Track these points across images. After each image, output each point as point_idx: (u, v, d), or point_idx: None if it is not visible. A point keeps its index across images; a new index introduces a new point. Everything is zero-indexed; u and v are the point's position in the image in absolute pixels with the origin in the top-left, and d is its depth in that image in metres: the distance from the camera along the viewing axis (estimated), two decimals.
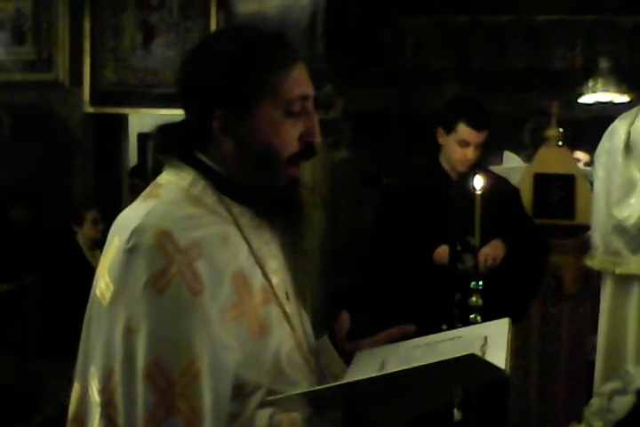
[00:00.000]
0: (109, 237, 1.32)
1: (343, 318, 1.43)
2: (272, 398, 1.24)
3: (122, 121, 5.46)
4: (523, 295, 3.12)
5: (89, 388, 1.30)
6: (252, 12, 4.84)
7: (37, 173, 5.05)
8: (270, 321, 1.32)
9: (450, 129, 3.01)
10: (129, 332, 1.23)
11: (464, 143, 2.99)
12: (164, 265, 1.23)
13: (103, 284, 1.28)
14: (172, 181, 1.34)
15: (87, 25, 5.12)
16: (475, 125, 2.96)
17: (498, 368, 1.18)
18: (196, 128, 1.33)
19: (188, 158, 1.35)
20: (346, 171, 4.15)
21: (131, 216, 1.30)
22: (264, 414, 1.24)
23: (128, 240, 1.25)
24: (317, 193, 3.72)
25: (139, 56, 5.12)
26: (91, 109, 5.14)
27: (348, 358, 1.40)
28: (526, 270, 3.09)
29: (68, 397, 1.35)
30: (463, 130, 2.98)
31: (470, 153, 3.00)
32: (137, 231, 1.25)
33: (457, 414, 2.56)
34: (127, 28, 5.13)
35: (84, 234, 4.46)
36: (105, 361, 1.26)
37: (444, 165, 3.10)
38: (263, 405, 1.25)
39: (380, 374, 1.23)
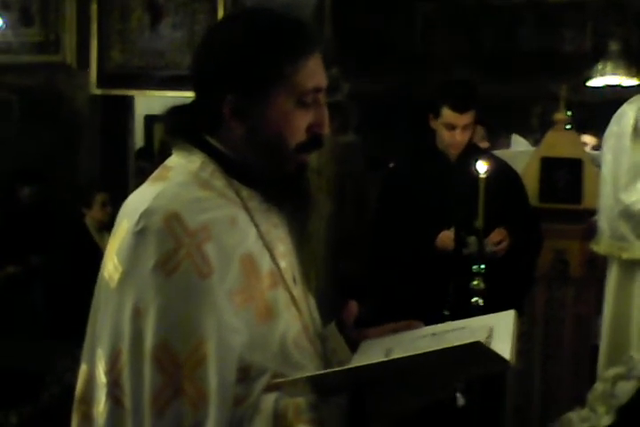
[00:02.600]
0: (118, 219, 1.33)
1: (351, 306, 1.44)
2: (277, 381, 1.25)
3: (128, 103, 5.45)
4: (520, 282, 3.13)
5: (95, 369, 1.31)
6: None
7: (44, 155, 5.05)
8: (278, 305, 1.33)
9: (437, 114, 3.04)
10: (137, 314, 1.23)
11: (450, 126, 3.03)
12: (172, 248, 1.23)
13: (111, 266, 1.29)
14: (182, 164, 1.34)
15: (94, 7, 5.10)
16: (457, 108, 2.99)
17: (502, 359, 1.18)
18: (207, 112, 1.33)
19: (197, 141, 1.35)
20: (352, 154, 4.14)
21: (140, 199, 1.30)
22: (270, 399, 1.25)
23: (137, 223, 1.25)
24: (323, 176, 3.71)
25: (146, 38, 5.10)
26: (98, 91, 5.13)
27: (354, 346, 1.41)
28: (523, 258, 3.10)
29: (75, 378, 1.37)
30: (447, 113, 3.01)
31: (458, 135, 3.03)
32: (146, 214, 1.26)
33: (460, 400, 2.57)
34: (134, 10, 5.11)
35: (93, 216, 4.47)
36: (112, 343, 1.27)
37: (441, 149, 3.13)
38: (269, 388, 1.26)
39: (385, 359, 1.23)
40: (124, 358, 1.25)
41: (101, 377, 1.29)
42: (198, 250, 1.24)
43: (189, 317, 1.22)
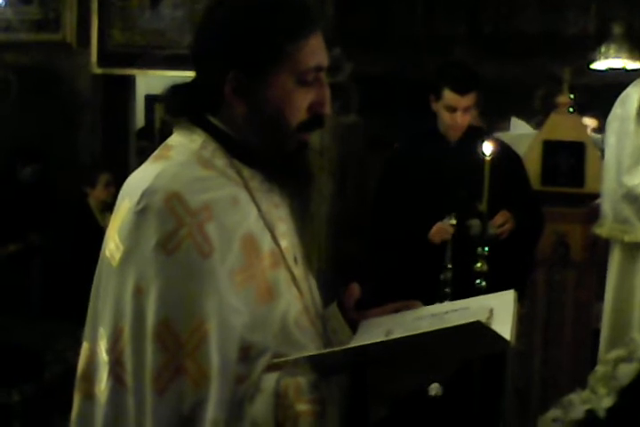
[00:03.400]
0: (119, 198, 1.32)
1: (353, 288, 1.44)
2: (278, 360, 1.25)
3: (129, 82, 5.43)
4: (521, 265, 3.14)
5: (97, 347, 1.31)
6: None
7: (44, 135, 5.04)
8: (279, 285, 1.33)
9: (438, 96, 3.03)
10: (139, 292, 1.24)
11: (451, 109, 3.02)
12: (174, 227, 1.23)
13: (113, 245, 1.28)
14: (183, 143, 1.34)
15: None
16: (458, 90, 2.98)
17: (503, 339, 1.18)
18: (208, 90, 1.32)
19: (198, 120, 1.34)
20: (354, 135, 4.13)
21: (141, 178, 1.30)
22: (271, 378, 1.25)
23: (138, 202, 1.25)
24: (326, 157, 3.70)
25: (146, 17, 5.07)
26: (98, 70, 5.10)
27: (354, 327, 1.41)
28: (524, 241, 3.11)
29: (77, 357, 1.37)
30: (448, 95, 3.01)
31: (459, 117, 3.02)
32: (147, 193, 1.25)
33: (435, 390, 2.55)
34: None
35: (96, 196, 4.47)
36: (114, 321, 1.27)
37: (442, 131, 3.12)
38: (269, 368, 1.26)
39: (386, 339, 1.23)
40: (126, 336, 1.25)
41: (103, 355, 1.29)
42: (199, 229, 1.24)
43: (191, 295, 1.22)
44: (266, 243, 1.32)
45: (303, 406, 1.23)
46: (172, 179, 1.27)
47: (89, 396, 1.33)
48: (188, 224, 1.23)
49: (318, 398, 1.23)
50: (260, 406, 1.23)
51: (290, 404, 1.23)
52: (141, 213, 1.25)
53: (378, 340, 1.22)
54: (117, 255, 1.27)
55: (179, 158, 1.31)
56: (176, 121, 1.37)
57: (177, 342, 1.22)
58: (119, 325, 1.26)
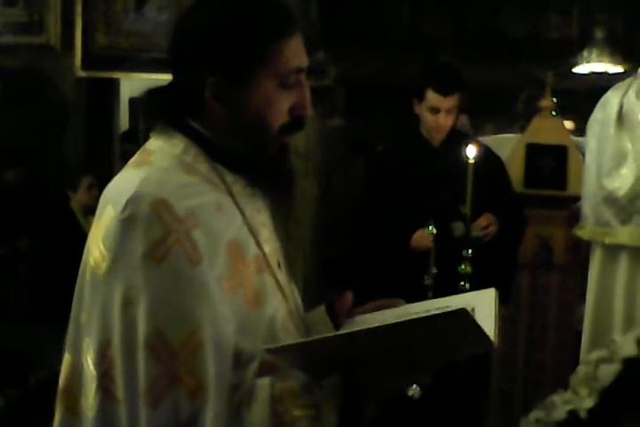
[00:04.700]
0: (101, 205, 1.30)
1: (347, 296, 1.42)
2: (270, 346, 1.23)
3: (113, 85, 5.41)
4: (504, 267, 3.16)
5: (83, 360, 1.28)
6: None
7: (28, 138, 5.01)
8: (265, 290, 1.32)
9: (421, 97, 3.04)
10: (128, 302, 1.21)
11: (434, 110, 3.02)
12: (161, 234, 1.21)
13: (98, 254, 1.26)
14: (163, 148, 1.32)
15: None
16: (441, 91, 2.99)
17: (486, 335, 1.19)
18: (188, 94, 1.30)
19: (178, 125, 1.32)
20: (339, 139, 4.14)
21: (124, 184, 1.28)
22: (265, 384, 1.24)
23: (123, 210, 1.23)
24: (310, 161, 3.71)
25: (131, 20, 5.06)
26: (82, 73, 5.08)
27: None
28: (507, 243, 3.13)
29: (61, 362, 1.34)
30: (431, 96, 3.01)
31: (442, 119, 3.03)
32: (132, 200, 1.23)
33: (414, 390, 2.55)
34: None
35: (79, 200, 4.45)
36: (101, 332, 1.24)
37: (425, 134, 3.13)
38: (260, 371, 1.25)
39: (372, 326, 1.22)
40: (115, 348, 1.23)
41: (90, 369, 1.26)
42: (187, 237, 1.22)
43: (182, 304, 1.21)
44: (251, 249, 1.32)
45: (298, 411, 1.22)
46: (157, 185, 1.25)
47: (73, 410, 1.30)
48: (176, 231, 1.21)
49: (313, 402, 1.23)
50: (257, 414, 1.22)
51: (285, 409, 1.22)
52: (127, 220, 1.22)
53: (365, 327, 1.22)
54: (103, 265, 1.24)
55: (161, 164, 1.29)
56: (155, 125, 1.34)
57: (170, 352, 1.20)
58: (107, 337, 1.23)
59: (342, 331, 1.31)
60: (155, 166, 1.29)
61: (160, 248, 1.21)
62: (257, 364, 1.25)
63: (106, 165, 5.06)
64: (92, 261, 1.27)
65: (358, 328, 1.24)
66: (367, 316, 1.40)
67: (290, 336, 1.34)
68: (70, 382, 1.31)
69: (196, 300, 1.21)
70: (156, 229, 1.21)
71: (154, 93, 1.36)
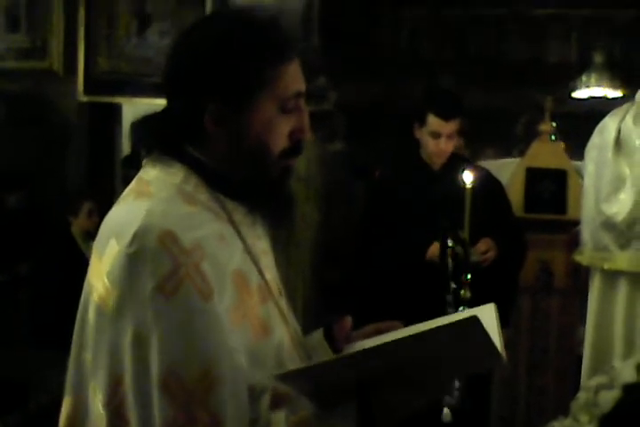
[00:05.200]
0: (102, 238, 1.26)
1: (346, 321, 1.41)
2: (278, 373, 1.21)
3: (115, 110, 5.44)
4: (505, 292, 3.15)
5: (89, 401, 1.24)
6: (248, 1, 4.82)
7: (31, 162, 5.03)
8: (270, 320, 1.30)
9: (422, 122, 3.06)
10: (138, 340, 1.17)
11: (435, 135, 3.04)
12: (171, 268, 1.18)
13: (103, 290, 1.22)
14: (162, 178, 1.29)
15: (82, 13, 5.09)
16: (442, 115, 3.01)
17: (495, 348, 1.18)
18: (186, 120, 1.28)
19: (176, 152, 1.30)
20: (340, 163, 4.16)
21: (127, 216, 1.24)
22: (280, 417, 1.21)
23: (130, 243, 1.19)
24: (311, 185, 3.72)
25: (133, 44, 5.10)
26: (84, 98, 5.12)
27: None
28: (507, 267, 3.13)
29: (62, 386, 1.31)
30: (432, 121, 3.03)
31: (443, 143, 3.05)
32: (139, 233, 1.19)
33: (447, 415, 2.56)
34: (122, 16, 5.10)
35: (79, 225, 4.45)
36: (111, 372, 1.20)
37: (425, 158, 3.15)
38: (272, 401, 1.22)
39: (384, 342, 1.20)
40: (127, 388, 1.18)
41: (99, 409, 1.22)
42: (197, 269, 1.19)
43: (195, 341, 1.18)
44: (254, 278, 1.30)
45: None
46: (163, 217, 1.22)
47: None
48: (185, 264, 1.18)
49: None
50: None
51: None
52: (135, 255, 1.18)
53: (376, 344, 1.20)
54: (110, 302, 1.20)
55: (162, 194, 1.26)
56: (152, 153, 1.31)
57: (185, 389, 1.16)
58: (117, 375, 1.19)
59: (352, 351, 1.29)
60: (155, 197, 1.26)
61: (170, 282, 1.17)
62: (269, 395, 1.23)
63: (107, 189, 5.07)
64: (96, 298, 1.23)
65: (370, 346, 1.22)
66: (366, 341, 1.38)
67: (295, 364, 1.31)
68: (72, 426, 1.27)
69: (210, 335, 1.18)
70: (164, 263, 1.18)
71: (149, 120, 1.34)
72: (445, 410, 2.54)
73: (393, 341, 1.19)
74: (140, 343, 1.17)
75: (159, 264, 1.18)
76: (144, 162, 1.32)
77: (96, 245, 1.28)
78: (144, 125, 1.35)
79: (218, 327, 1.19)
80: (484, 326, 1.23)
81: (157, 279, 1.17)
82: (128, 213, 1.25)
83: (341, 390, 1.22)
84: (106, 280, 1.21)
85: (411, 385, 1.23)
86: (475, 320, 1.14)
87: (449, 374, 1.28)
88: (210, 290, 1.19)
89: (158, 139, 1.32)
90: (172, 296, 1.17)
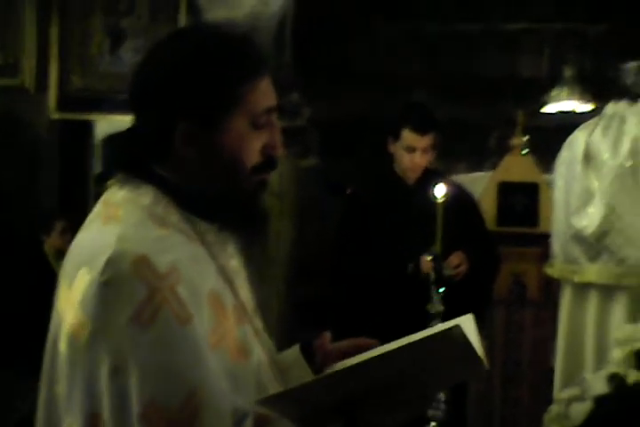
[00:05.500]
0: (71, 266, 1.22)
1: (325, 338, 1.38)
2: (262, 398, 1.18)
3: (88, 127, 5.42)
4: (477, 305, 3.16)
5: None
6: (221, 18, 4.84)
7: (2, 180, 4.99)
8: (247, 342, 1.28)
9: (396, 137, 3.08)
10: (116, 372, 1.13)
11: (410, 149, 3.07)
12: (146, 295, 1.14)
13: (76, 321, 1.17)
14: (130, 199, 1.25)
15: (54, 30, 5.08)
16: (417, 130, 3.04)
17: (478, 355, 1.18)
18: (154, 139, 1.25)
19: (144, 172, 1.27)
20: (313, 179, 4.17)
21: (97, 243, 1.20)
22: None
23: (103, 271, 1.15)
24: (285, 201, 3.72)
25: (107, 62, 5.09)
26: (57, 115, 5.09)
27: (319, 373, 1.35)
28: (480, 281, 3.15)
29: (30, 405, 1.28)
30: (407, 135, 3.06)
31: (418, 158, 3.07)
32: (112, 261, 1.15)
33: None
34: (95, 34, 5.10)
35: (52, 244, 4.42)
36: (87, 408, 1.15)
37: (399, 173, 3.16)
38: (254, 407, 1.20)
39: (368, 357, 1.19)
40: (106, 423, 1.14)
41: None
42: (173, 294, 1.16)
43: (176, 368, 1.14)
44: (229, 299, 1.27)
45: None
46: (135, 242, 1.18)
47: None
48: (161, 289, 1.15)
49: None
50: None
51: None
52: (108, 283, 1.15)
53: (361, 359, 1.18)
54: (84, 333, 1.15)
55: (132, 218, 1.22)
56: (119, 174, 1.28)
57: (168, 421, 1.12)
58: (95, 411, 1.15)
59: (333, 370, 1.27)
60: (126, 222, 1.22)
61: (146, 310, 1.14)
62: (252, 419, 1.20)
63: (80, 207, 5.04)
64: (67, 329, 1.18)
65: (353, 362, 1.20)
66: (346, 361, 1.35)
67: (274, 385, 1.29)
68: None
69: (190, 361, 1.15)
70: (139, 290, 1.14)
71: (116, 139, 1.36)
72: (432, 424, 2.54)
73: (376, 356, 1.17)
74: (117, 376, 1.13)
75: (134, 292, 1.14)
76: (109, 183, 1.29)
77: (64, 273, 1.24)
78: (110, 145, 1.33)
79: (198, 353, 1.16)
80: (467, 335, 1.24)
81: (133, 308, 1.14)
82: (98, 240, 1.21)
83: (325, 410, 1.21)
84: (78, 310, 1.17)
85: (395, 400, 1.22)
86: (458, 330, 1.14)
87: (433, 386, 1.28)
88: (188, 314, 1.16)
89: (125, 158, 1.29)
90: (149, 325, 1.14)
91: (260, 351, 1.30)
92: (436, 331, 1.17)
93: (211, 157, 1.25)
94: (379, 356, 1.17)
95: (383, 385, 1.18)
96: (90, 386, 1.15)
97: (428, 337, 1.17)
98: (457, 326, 1.14)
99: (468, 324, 1.32)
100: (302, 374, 1.35)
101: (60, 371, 1.20)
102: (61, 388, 1.19)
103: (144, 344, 1.13)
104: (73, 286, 1.19)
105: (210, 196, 1.28)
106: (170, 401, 1.13)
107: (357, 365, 1.17)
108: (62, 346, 1.19)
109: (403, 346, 1.17)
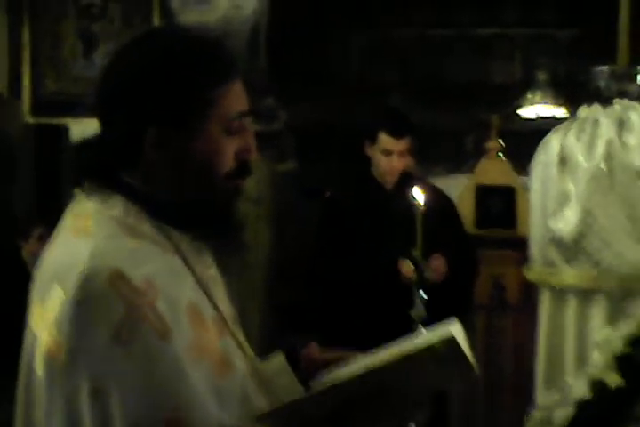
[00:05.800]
0: (43, 281, 1.19)
1: (312, 347, 1.37)
2: (261, 414, 1.17)
3: (63, 132, 5.37)
4: (457, 308, 3.17)
5: None
6: (194, 22, 4.82)
7: None
8: (229, 354, 1.25)
9: (373, 140, 3.10)
10: (97, 394, 1.09)
11: (387, 152, 3.09)
12: (125, 312, 1.11)
13: (51, 342, 1.13)
14: (100, 211, 1.21)
15: (26, 34, 5.03)
16: (393, 133, 3.06)
17: (470, 362, 1.18)
18: (121, 146, 1.21)
19: (112, 182, 1.22)
20: (290, 183, 4.16)
21: (69, 258, 1.17)
22: None
23: (77, 289, 1.12)
24: (262, 205, 3.71)
25: (80, 65, 5.05)
26: (31, 120, 5.05)
27: (304, 382, 1.34)
28: (460, 283, 3.16)
29: (3, 414, 1.26)
30: (383, 139, 3.08)
31: (395, 161, 3.09)
32: (86, 277, 1.12)
33: None
34: (67, 37, 5.06)
35: (29, 250, 4.37)
36: None
37: (376, 176, 3.17)
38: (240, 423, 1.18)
39: (369, 369, 1.17)
40: None
41: None
42: (152, 309, 1.12)
43: (158, 387, 1.11)
44: (208, 310, 1.24)
45: None
46: (109, 256, 1.14)
47: None
48: (139, 305, 1.11)
49: None
50: None
51: None
52: (84, 302, 1.11)
53: (359, 372, 1.17)
54: (61, 355, 1.11)
55: (103, 231, 1.18)
56: (87, 184, 1.23)
57: None
58: None
59: (333, 383, 1.24)
60: (97, 235, 1.18)
61: (125, 328, 1.10)
62: None
63: (56, 211, 4.98)
64: (43, 350, 1.14)
65: (350, 375, 1.18)
66: (335, 370, 1.33)
67: (259, 397, 1.26)
68: None
69: (174, 379, 1.12)
70: (117, 308, 1.10)
71: (83, 147, 1.31)
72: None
73: (370, 371, 1.16)
74: (98, 398, 1.09)
75: (111, 310, 1.10)
76: (76, 193, 1.24)
77: (36, 287, 1.20)
78: (77, 153, 1.30)
79: (181, 369, 1.13)
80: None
81: (112, 327, 1.10)
82: (69, 254, 1.17)
83: (314, 423, 1.19)
84: (54, 331, 1.12)
85: (384, 409, 1.21)
86: (453, 342, 1.14)
87: (422, 392, 1.27)
88: (167, 329, 1.13)
89: (91, 167, 1.25)
90: (129, 344, 1.10)
91: (242, 363, 1.27)
92: (430, 342, 1.16)
93: (183, 163, 1.21)
94: (373, 371, 1.16)
95: (374, 396, 1.17)
96: (70, 410, 1.11)
97: (423, 350, 1.16)
98: (452, 338, 1.13)
99: (456, 330, 1.31)
100: (288, 382, 1.33)
101: (37, 395, 1.16)
102: (39, 413, 1.15)
103: (124, 364, 1.10)
104: (46, 303, 1.15)
105: (182, 204, 1.24)
106: (154, 422, 1.10)
107: (351, 380, 1.16)
108: (38, 368, 1.15)
109: (398, 360, 1.15)
